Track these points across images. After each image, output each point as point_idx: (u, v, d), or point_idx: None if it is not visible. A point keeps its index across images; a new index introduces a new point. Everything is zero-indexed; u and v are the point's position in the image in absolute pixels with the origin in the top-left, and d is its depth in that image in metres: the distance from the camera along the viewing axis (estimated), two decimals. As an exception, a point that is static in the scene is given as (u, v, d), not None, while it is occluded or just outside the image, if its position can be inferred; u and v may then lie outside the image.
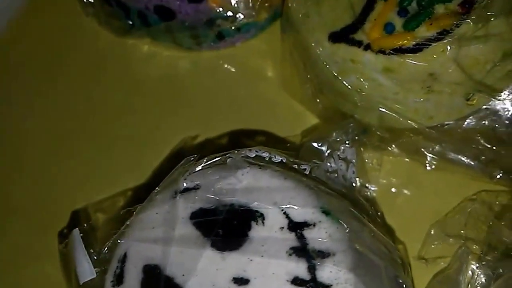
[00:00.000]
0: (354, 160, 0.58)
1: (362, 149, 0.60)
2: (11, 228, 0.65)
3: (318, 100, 0.63)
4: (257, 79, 0.70)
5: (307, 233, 0.47)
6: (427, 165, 0.60)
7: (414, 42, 0.52)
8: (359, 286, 0.45)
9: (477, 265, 0.53)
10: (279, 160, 0.52)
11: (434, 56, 0.52)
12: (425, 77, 0.53)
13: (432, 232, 0.57)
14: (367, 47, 0.54)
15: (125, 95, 0.71)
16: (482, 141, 0.56)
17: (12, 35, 0.76)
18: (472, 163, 0.58)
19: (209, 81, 0.71)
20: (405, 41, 0.52)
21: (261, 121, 0.67)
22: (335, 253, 0.46)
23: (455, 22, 0.51)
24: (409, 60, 0.53)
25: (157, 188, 0.50)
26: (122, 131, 0.69)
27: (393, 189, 0.62)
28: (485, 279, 0.52)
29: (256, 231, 0.47)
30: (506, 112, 0.55)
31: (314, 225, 0.47)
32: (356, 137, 0.58)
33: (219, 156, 0.51)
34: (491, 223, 0.54)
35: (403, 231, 0.58)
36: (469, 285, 0.53)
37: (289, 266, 0.46)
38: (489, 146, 0.56)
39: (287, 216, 0.47)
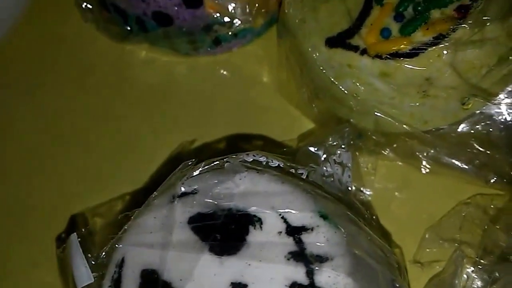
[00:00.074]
0: (350, 165, 0.56)
1: (357, 153, 0.59)
2: (8, 233, 0.64)
3: (313, 105, 0.62)
4: (253, 84, 0.69)
5: (305, 237, 0.45)
6: (422, 169, 0.59)
7: (410, 47, 0.51)
8: (357, 291, 0.44)
9: (472, 269, 0.52)
10: (276, 165, 0.51)
11: (431, 61, 0.51)
12: (421, 81, 0.52)
13: (427, 236, 0.55)
14: (364, 52, 0.53)
15: (122, 100, 0.70)
16: (476, 145, 0.55)
17: (12, 40, 0.75)
18: (467, 167, 0.56)
19: (206, 86, 0.70)
20: (402, 46, 0.51)
21: (258, 126, 0.65)
22: (333, 258, 0.44)
23: (451, 27, 0.50)
24: (405, 65, 0.51)
25: (154, 192, 0.49)
26: (120, 135, 0.67)
27: (388, 193, 0.60)
28: (481, 283, 0.51)
29: (254, 236, 0.46)
30: (501, 116, 0.54)
31: (312, 229, 0.45)
32: (352, 142, 0.57)
33: (216, 161, 0.49)
34: (486, 227, 0.53)
35: (398, 235, 0.57)
36: (465, 289, 0.52)
37: (287, 271, 0.44)
38: (483, 150, 0.55)
39: (285, 221, 0.46)
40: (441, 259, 0.54)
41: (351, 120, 0.58)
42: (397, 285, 0.49)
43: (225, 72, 0.70)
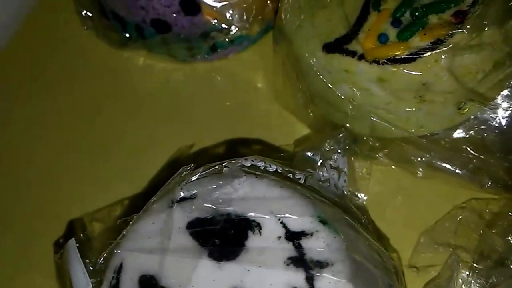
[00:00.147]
0: (345, 169, 0.55)
1: (352, 158, 0.57)
2: (6, 238, 0.62)
3: (309, 110, 0.60)
4: (249, 90, 0.68)
5: (305, 242, 0.43)
6: (417, 173, 0.57)
7: (408, 52, 0.50)
8: (357, 296, 0.42)
9: (468, 273, 0.50)
10: (274, 170, 0.49)
11: (428, 66, 0.49)
12: (418, 86, 0.51)
13: (422, 241, 0.54)
14: (361, 57, 0.51)
15: (121, 106, 0.68)
16: (471, 150, 0.54)
17: (13, 45, 0.74)
18: (462, 171, 0.55)
19: (203, 92, 0.68)
20: (399, 51, 0.50)
21: (255, 131, 0.64)
22: (333, 263, 0.42)
23: (449, 32, 0.49)
24: (402, 70, 0.50)
25: (153, 197, 0.47)
26: (118, 141, 0.66)
27: (383, 198, 0.58)
28: (478, 288, 0.49)
29: (253, 241, 0.44)
30: (495, 121, 0.52)
31: (311, 234, 0.43)
32: (347, 147, 0.55)
33: (215, 166, 0.48)
34: (481, 231, 0.51)
35: (394, 240, 0.55)
36: (461, 294, 0.51)
37: (287, 277, 0.42)
38: (478, 155, 0.54)
39: (284, 226, 0.44)
40: (436, 263, 0.52)
41: (347, 125, 0.57)
42: (395, 290, 0.48)
43: (221, 78, 0.69)
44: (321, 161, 0.53)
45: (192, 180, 0.47)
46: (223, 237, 0.44)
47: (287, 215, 0.44)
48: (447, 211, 0.54)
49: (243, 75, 0.68)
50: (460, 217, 0.53)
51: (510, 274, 0.47)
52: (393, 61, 0.50)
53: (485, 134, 0.53)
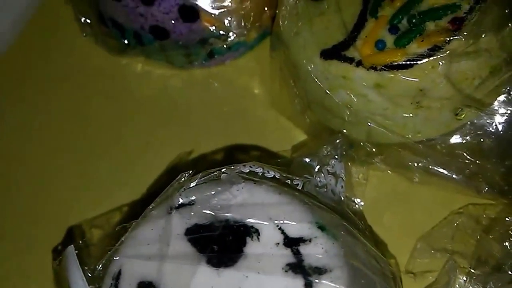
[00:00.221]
0: (342, 175, 0.54)
1: (349, 163, 0.57)
2: (4, 245, 0.61)
3: (306, 116, 0.60)
4: (246, 96, 0.67)
5: (303, 249, 0.43)
6: (414, 179, 0.56)
7: (405, 58, 0.49)
8: (356, 303, 0.41)
9: (465, 279, 0.50)
10: (272, 176, 0.48)
11: (425, 72, 0.49)
12: (415, 92, 0.50)
13: (419, 246, 0.53)
14: (359, 64, 0.51)
15: (119, 112, 0.68)
16: (467, 155, 0.53)
17: (13, 52, 0.74)
18: (458, 177, 0.54)
19: (201, 98, 0.68)
20: (397, 58, 0.49)
21: (252, 137, 0.63)
22: (331, 269, 0.42)
23: (446, 39, 0.48)
24: (400, 76, 0.49)
25: (152, 204, 0.47)
26: (117, 147, 0.65)
27: (380, 203, 0.58)
28: (475, 293, 0.48)
29: (252, 247, 0.43)
30: (492, 127, 0.52)
31: (310, 240, 0.43)
32: (344, 152, 0.55)
33: (213, 172, 0.47)
34: (478, 237, 0.51)
35: (391, 245, 0.55)
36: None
37: (285, 283, 0.41)
38: (474, 160, 0.53)
39: (283, 232, 0.43)
40: (433, 269, 0.51)
41: (344, 130, 0.56)
42: (393, 296, 0.47)
43: (219, 84, 0.68)
44: (318, 166, 0.53)
45: (191, 186, 0.46)
46: (222, 243, 0.43)
47: (285, 221, 0.43)
48: (444, 216, 0.54)
49: (240, 81, 0.68)
50: (457, 222, 0.52)
51: (508, 280, 0.47)
52: (391, 67, 0.49)
53: (482, 140, 0.52)
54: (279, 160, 0.58)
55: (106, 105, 0.68)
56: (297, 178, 0.49)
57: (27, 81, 0.71)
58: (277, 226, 0.43)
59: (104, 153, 0.65)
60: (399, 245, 0.54)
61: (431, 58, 0.48)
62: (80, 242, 0.49)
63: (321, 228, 0.43)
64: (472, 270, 0.49)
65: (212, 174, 0.47)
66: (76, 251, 0.46)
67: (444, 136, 0.53)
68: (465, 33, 0.48)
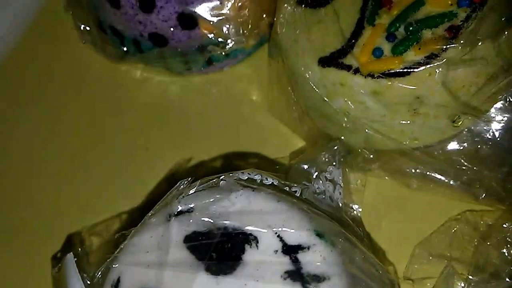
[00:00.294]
0: (340, 182, 0.54)
1: (347, 169, 0.56)
2: (3, 252, 0.61)
3: (304, 123, 0.60)
4: (244, 102, 0.67)
5: (302, 256, 0.43)
6: (411, 185, 0.56)
7: (402, 66, 0.49)
8: (355, 310, 0.41)
9: (463, 285, 0.49)
10: (270, 183, 0.48)
11: (422, 80, 0.49)
12: (412, 100, 0.50)
13: (417, 252, 0.52)
14: (357, 71, 0.50)
15: (118, 119, 0.68)
16: (465, 162, 0.53)
17: (12, 59, 0.73)
18: (456, 183, 0.54)
19: (199, 104, 0.68)
20: (394, 65, 0.49)
21: (250, 143, 0.63)
22: (330, 277, 0.42)
23: (443, 47, 0.48)
24: (397, 84, 0.49)
25: (151, 211, 0.47)
26: (116, 154, 0.65)
27: (377, 210, 0.57)
28: (473, 301, 0.48)
29: (250, 255, 0.43)
30: (489, 133, 0.52)
31: (308, 248, 0.43)
32: (342, 159, 0.55)
33: (212, 179, 0.47)
34: (476, 243, 0.50)
35: (389, 252, 0.54)
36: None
37: None
38: (472, 166, 0.53)
39: (281, 239, 0.43)
40: (432, 275, 0.51)
41: (342, 137, 0.56)
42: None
43: (217, 91, 0.68)
44: (316, 173, 0.53)
45: (190, 193, 0.46)
46: (221, 251, 0.43)
47: (284, 229, 0.43)
48: (441, 223, 0.53)
49: (238, 88, 0.68)
50: (455, 229, 0.52)
51: (506, 287, 0.47)
52: (388, 75, 0.49)
53: (479, 146, 0.52)
54: (277, 166, 0.58)
55: (105, 112, 0.68)
56: (295, 185, 0.49)
57: (27, 89, 0.71)
58: (276, 233, 0.43)
59: (103, 160, 0.65)
60: (397, 252, 0.54)
61: (428, 66, 0.48)
62: (80, 249, 0.48)
63: (320, 235, 0.43)
64: (470, 277, 0.49)
65: (211, 181, 0.47)
66: (76, 259, 0.46)
67: (441, 143, 0.53)
68: (462, 41, 0.47)
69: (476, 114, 0.50)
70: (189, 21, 0.61)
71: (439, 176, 0.54)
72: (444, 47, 0.48)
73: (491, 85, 0.49)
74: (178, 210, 0.45)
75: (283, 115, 0.62)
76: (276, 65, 0.60)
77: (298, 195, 0.49)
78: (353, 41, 0.51)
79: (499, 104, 0.51)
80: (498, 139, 0.51)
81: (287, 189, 0.49)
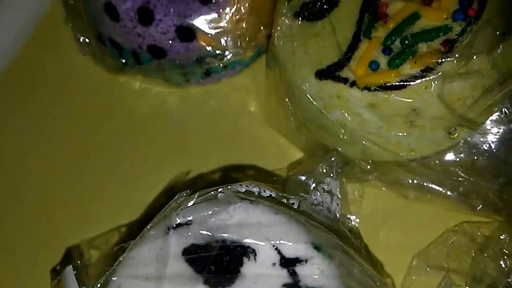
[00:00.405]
0: (338, 193, 0.54)
1: (344, 180, 0.56)
2: (3, 265, 0.61)
3: (301, 134, 0.60)
4: (242, 113, 0.67)
5: (299, 269, 0.43)
6: (408, 196, 0.56)
7: (398, 79, 0.49)
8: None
9: None
10: (268, 195, 0.48)
11: (418, 93, 0.49)
12: (408, 112, 0.50)
13: (414, 263, 0.53)
14: (353, 84, 0.51)
15: (117, 130, 0.67)
16: (462, 173, 0.53)
17: (12, 70, 0.73)
18: (453, 194, 0.54)
19: (197, 116, 0.68)
20: (390, 79, 0.49)
21: (248, 155, 0.63)
22: None
23: (438, 60, 0.48)
24: (393, 96, 0.49)
25: (150, 224, 0.46)
26: (115, 166, 0.65)
27: (375, 221, 0.57)
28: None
29: (248, 267, 0.43)
30: (485, 145, 0.52)
31: (306, 261, 0.43)
32: (340, 170, 0.55)
33: (210, 191, 0.47)
34: (474, 254, 0.50)
35: (386, 263, 0.54)
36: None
37: None
38: (468, 178, 0.53)
39: (279, 252, 0.43)
40: (429, 287, 0.51)
41: (339, 148, 0.56)
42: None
43: (215, 102, 0.68)
44: (314, 185, 0.53)
45: (188, 206, 0.46)
46: (219, 263, 0.43)
47: (282, 242, 0.43)
48: (439, 233, 0.54)
49: (236, 99, 0.68)
50: (452, 240, 0.52)
51: (503, 298, 0.47)
52: (384, 88, 0.49)
53: (476, 158, 0.52)
54: (275, 178, 0.58)
55: (104, 123, 0.68)
56: (292, 197, 0.49)
57: (26, 99, 0.71)
58: (274, 246, 0.43)
59: (102, 172, 0.64)
60: (394, 262, 0.54)
61: (424, 79, 0.48)
62: (79, 262, 0.48)
63: (317, 248, 0.43)
64: (470, 289, 0.49)
65: (209, 194, 0.47)
66: (75, 271, 0.46)
67: (438, 154, 0.53)
68: (457, 55, 0.48)
69: (472, 126, 0.50)
70: (188, 33, 0.61)
71: (436, 187, 0.54)
72: (440, 60, 0.48)
73: (487, 97, 0.49)
74: (177, 222, 0.45)
75: (281, 126, 0.62)
76: (274, 76, 0.60)
77: (296, 207, 0.49)
78: (349, 54, 0.51)
79: (494, 116, 0.51)
80: (494, 150, 0.51)
81: (285, 201, 0.49)
